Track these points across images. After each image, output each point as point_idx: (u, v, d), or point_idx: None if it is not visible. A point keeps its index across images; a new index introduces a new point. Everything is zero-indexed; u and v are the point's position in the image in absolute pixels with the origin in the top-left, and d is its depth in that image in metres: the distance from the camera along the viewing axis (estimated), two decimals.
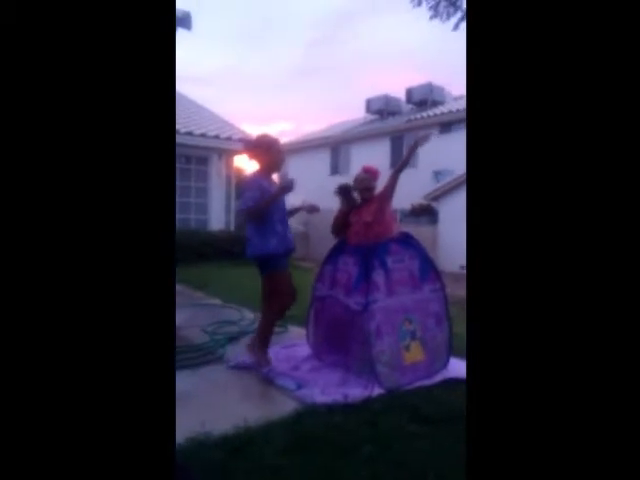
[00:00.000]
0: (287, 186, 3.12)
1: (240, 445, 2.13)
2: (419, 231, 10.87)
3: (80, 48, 0.89)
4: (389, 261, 3.10)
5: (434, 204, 13.04)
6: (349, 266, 3.23)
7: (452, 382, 3.02)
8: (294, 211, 3.55)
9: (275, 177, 3.41)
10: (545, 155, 0.87)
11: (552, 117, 0.88)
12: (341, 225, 3.41)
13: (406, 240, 3.26)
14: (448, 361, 3.24)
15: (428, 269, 3.25)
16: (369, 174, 3.40)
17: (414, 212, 13.71)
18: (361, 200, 3.39)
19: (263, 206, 3.08)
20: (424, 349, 3.14)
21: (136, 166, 0.90)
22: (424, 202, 13.28)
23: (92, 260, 0.84)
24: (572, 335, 0.80)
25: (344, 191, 3.43)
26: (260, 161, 3.26)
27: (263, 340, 3.23)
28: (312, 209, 3.47)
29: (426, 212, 13.47)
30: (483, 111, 0.95)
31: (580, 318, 0.80)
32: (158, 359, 0.83)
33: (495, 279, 0.88)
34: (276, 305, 3.23)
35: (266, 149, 3.23)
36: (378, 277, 3.03)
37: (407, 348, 3.08)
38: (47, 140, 0.86)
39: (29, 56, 0.86)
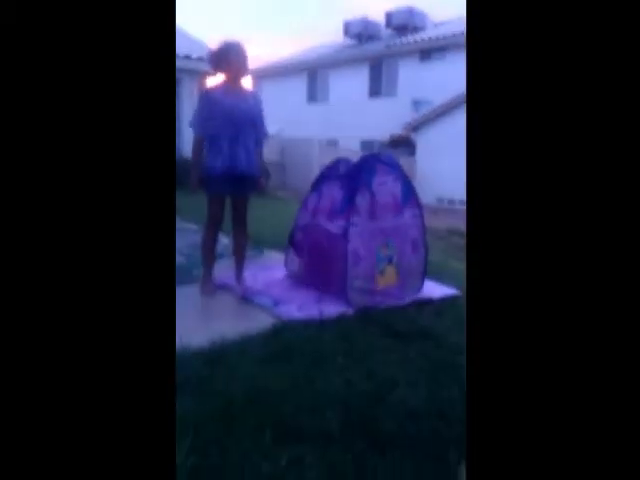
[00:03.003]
0: (195, 182, 3.05)
1: (217, 357, 2.19)
2: None
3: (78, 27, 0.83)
4: (374, 183, 3.04)
5: (412, 135, 12.92)
6: (334, 191, 3.17)
7: (423, 302, 3.12)
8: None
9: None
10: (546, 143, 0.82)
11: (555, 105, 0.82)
12: None
13: (391, 161, 3.20)
14: (422, 287, 3.31)
15: (410, 193, 3.22)
16: None
17: (393, 143, 13.58)
18: None
19: (192, 156, 3.06)
20: (398, 273, 3.19)
21: (134, 154, 0.85)
22: (403, 133, 13.13)
23: (88, 241, 0.80)
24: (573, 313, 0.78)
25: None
26: (223, 71, 3.02)
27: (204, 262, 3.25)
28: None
29: (404, 143, 13.37)
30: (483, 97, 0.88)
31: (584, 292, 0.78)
32: (157, 350, 0.81)
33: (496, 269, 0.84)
34: (204, 230, 3.21)
35: (226, 56, 2.96)
36: (362, 200, 2.98)
37: (382, 272, 3.12)
38: (45, 128, 0.80)
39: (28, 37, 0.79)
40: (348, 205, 3.00)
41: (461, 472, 1.47)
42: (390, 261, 3.15)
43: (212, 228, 3.18)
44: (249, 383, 1.97)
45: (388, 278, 3.15)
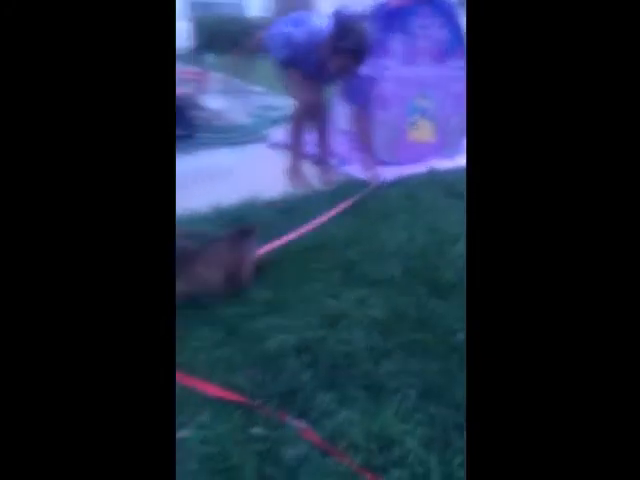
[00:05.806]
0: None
1: (288, 207, 2.31)
2: None
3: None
4: (414, 25, 2.78)
5: None
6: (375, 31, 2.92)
7: None
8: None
9: None
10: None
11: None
12: None
13: (440, 4, 2.85)
14: (463, 148, 3.07)
15: (457, 43, 2.92)
16: None
17: None
18: None
19: None
20: (436, 131, 2.98)
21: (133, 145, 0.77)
22: None
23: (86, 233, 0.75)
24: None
25: None
26: None
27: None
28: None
29: None
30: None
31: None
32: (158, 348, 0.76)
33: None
34: (292, 121, 2.79)
35: None
36: (395, 42, 2.76)
37: (414, 125, 2.95)
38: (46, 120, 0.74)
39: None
40: (382, 46, 2.75)
41: None
42: (424, 114, 2.94)
43: (299, 119, 2.70)
44: (318, 231, 2.09)
45: (423, 134, 2.97)
